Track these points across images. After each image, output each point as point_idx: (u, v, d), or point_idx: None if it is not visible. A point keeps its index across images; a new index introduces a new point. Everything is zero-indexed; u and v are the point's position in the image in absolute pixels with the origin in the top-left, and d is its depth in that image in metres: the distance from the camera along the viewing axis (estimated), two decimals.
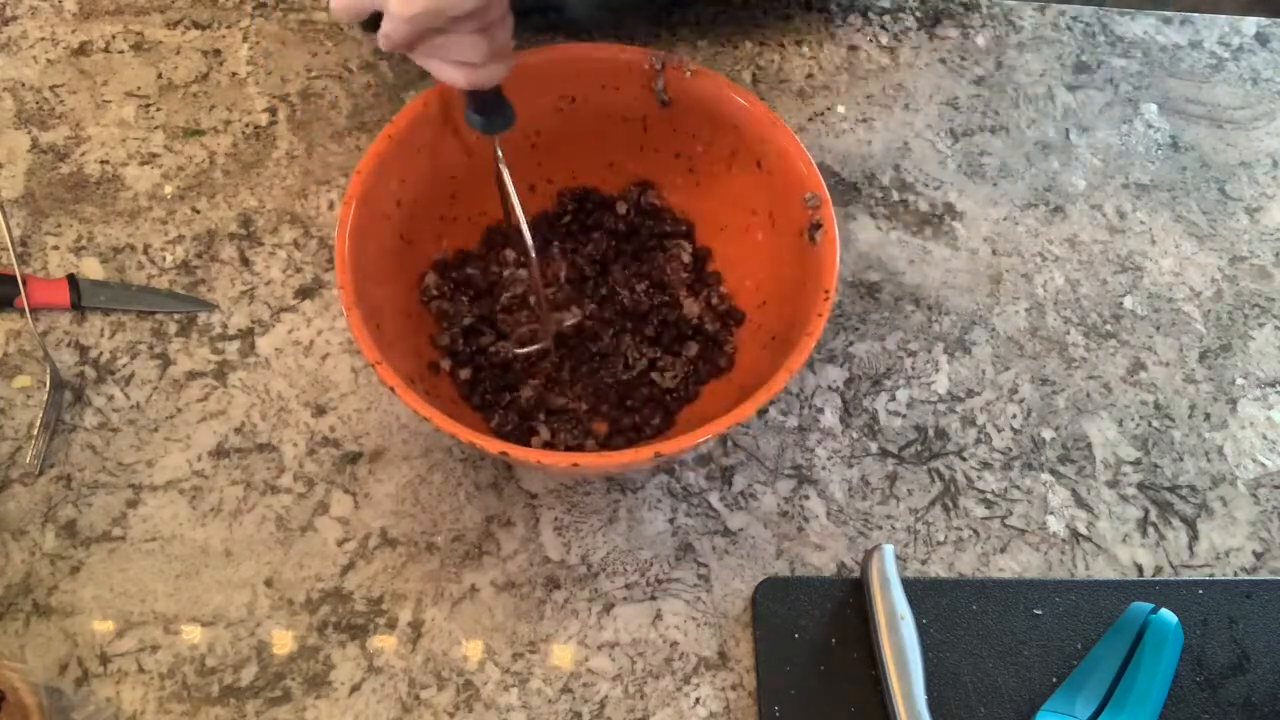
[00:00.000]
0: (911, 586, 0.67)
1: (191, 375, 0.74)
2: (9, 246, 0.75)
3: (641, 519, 0.72)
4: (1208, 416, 0.78)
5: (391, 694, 0.65)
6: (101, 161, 0.82)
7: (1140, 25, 0.97)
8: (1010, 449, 0.76)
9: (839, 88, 0.91)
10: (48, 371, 0.72)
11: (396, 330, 0.68)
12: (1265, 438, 0.78)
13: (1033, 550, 0.72)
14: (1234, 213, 0.87)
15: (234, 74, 0.86)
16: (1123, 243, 0.85)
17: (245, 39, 0.88)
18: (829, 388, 0.77)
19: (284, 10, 0.89)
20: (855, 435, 0.75)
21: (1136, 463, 0.76)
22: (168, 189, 0.81)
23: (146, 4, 0.89)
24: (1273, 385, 0.80)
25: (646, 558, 0.70)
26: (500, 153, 0.66)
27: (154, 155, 0.82)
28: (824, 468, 0.74)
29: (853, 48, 0.93)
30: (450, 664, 0.66)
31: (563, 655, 0.67)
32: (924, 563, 0.71)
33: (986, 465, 0.75)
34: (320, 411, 0.73)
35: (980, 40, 0.94)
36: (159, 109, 0.84)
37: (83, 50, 0.86)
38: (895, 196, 0.86)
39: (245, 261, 0.78)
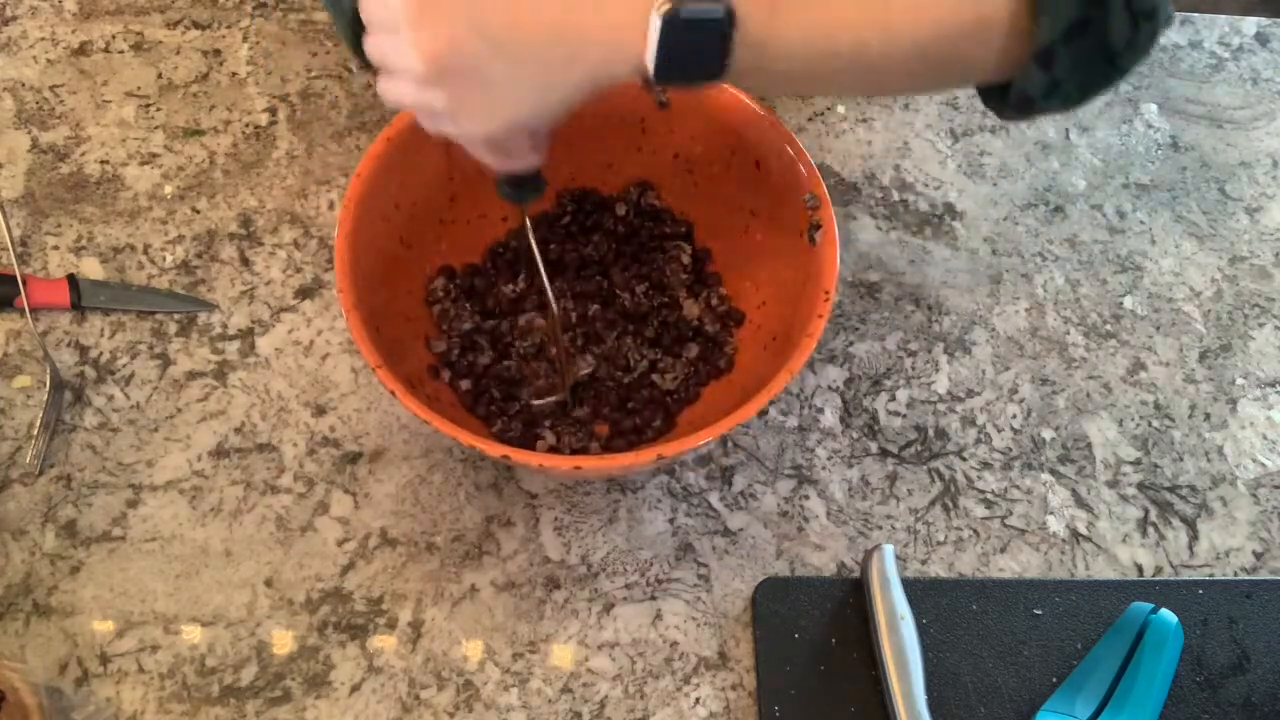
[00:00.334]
0: (911, 586, 0.67)
1: (191, 375, 0.74)
2: (9, 246, 0.75)
3: (641, 519, 0.72)
4: (1208, 416, 0.78)
5: (391, 694, 0.65)
6: (101, 161, 0.82)
7: None
8: (1010, 449, 0.76)
9: None
10: (48, 371, 0.72)
11: (397, 333, 0.68)
12: (1265, 438, 0.78)
13: (1033, 550, 0.72)
14: (1234, 213, 0.87)
15: (234, 74, 0.86)
16: (1123, 243, 0.85)
17: (245, 39, 0.88)
18: (829, 388, 0.77)
19: (284, 10, 0.89)
20: (855, 435, 0.75)
21: (1136, 463, 0.76)
22: (168, 189, 0.81)
23: (146, 4, 0.89)
24: (1273, 385, 0.80)
25: (646, 558, 0.70)
26: (529, 222, 0.65)
27: (154, 155, 0.82)
28: (824, 468, 0.74)
29: None
30: (450, 664, 0.66)
31: (563, 655, 0.67)
32: (924, 563, 0.71)
33: (986, 465, 0.75)
34: (320, 411, 0.73)
35: None
36: (159, 109, 0.84)
37: (83, 50, 0.86)
38: (895, 196, 0.86)
39: (245, 261, 0.78)
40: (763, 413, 0.74)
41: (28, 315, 0.74)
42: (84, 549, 0.68)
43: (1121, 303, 0.82)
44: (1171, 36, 0.96)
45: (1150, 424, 0.78)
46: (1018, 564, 0.72)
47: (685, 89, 0.55)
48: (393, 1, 0.50)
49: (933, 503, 0.74)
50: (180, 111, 0.84)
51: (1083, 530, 0.73)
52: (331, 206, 0.81)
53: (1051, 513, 0.74)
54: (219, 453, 0.72)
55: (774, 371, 0.62)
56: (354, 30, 0.57)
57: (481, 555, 0.70)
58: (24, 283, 0.74)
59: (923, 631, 0.65)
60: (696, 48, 0.52)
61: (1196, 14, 0.98)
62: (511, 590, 0.69)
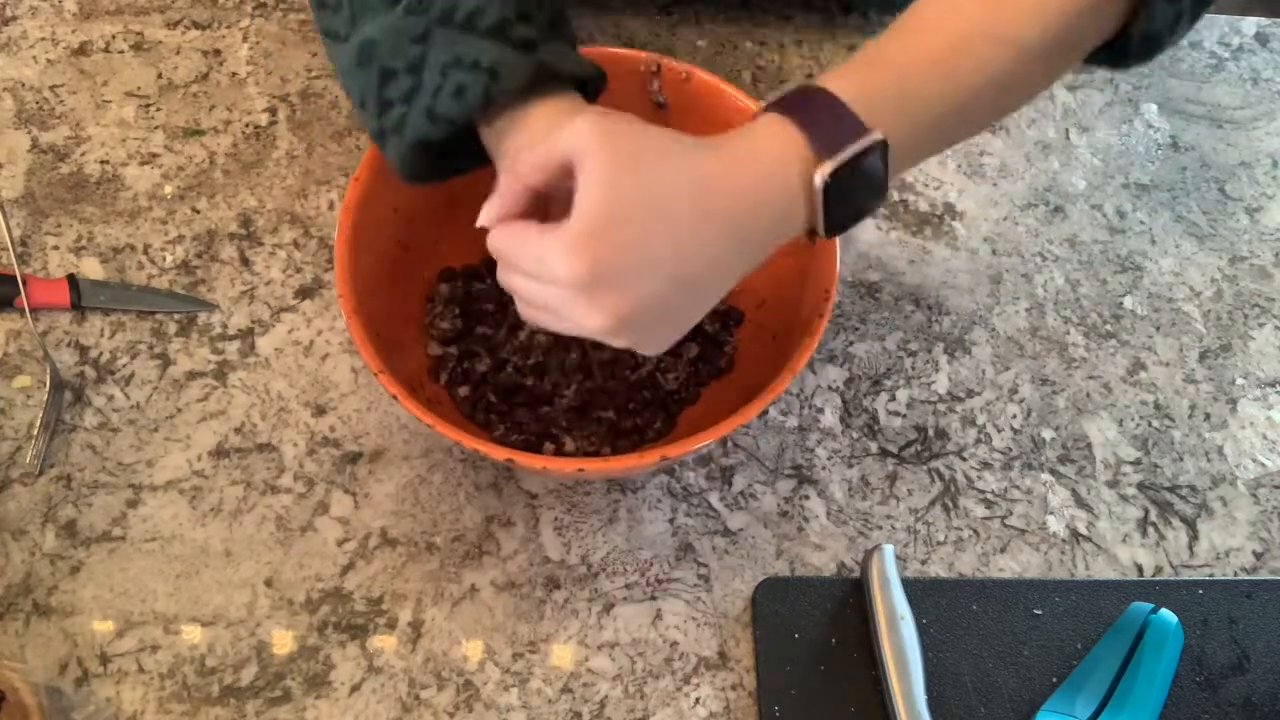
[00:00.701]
0: (911, 586, 0.67)
1: (191, 375, 0.74)
2: (9, 246, 0.75)
3: (641, 519, 0.72)
4: (1208, 416, 0.78)
5: (391, 694, 0.65)
6: (101, 161, 0.82)
7: None
8: (1010, 449, 0.76)
9: None
10: (48, 371, 0.72)
11: (397, 335, 0.68)
12: (1265, 438, 0.78)
13: (1033, 550, 0.72)
14: (1234, 213, 0.87)
15: (234, 74, 0.86)
16: (1123, 243, 0.85)
17: (245, 39, 0.88)
18: (829, 388, 0.77)
19: (284, 10, 0.89)
20: (855, 435, 0.75)
21: (1136, 463, 0.76)
22: (168, 189, 0.81)
23: (146, 4, 0.89)
24: (1273, 385, 0.80)
25: (646, 558, 0.70)
26: None
27: (154, 155, 0.82)
28: (824, 468, 0.74)
29: (853, 48, 0.93)
30: (450, 664, 0.66)
31: (563, 655, 0.67)
32: (924, 563, 0.71)
33: (986, 465, 0.75)
34: (320, 411, 0.73)
35: None
36: (159, 109, 0.84)
37: (83, 50, 0.86)
38: (895, 196, 0.86)
39: (245, 261, 0.78)
40: (763, 413, 0.74)
41: (28, 315, 0.74)
42: (84, 549, 0.68)
43: (1121, 303, 0.82)
44: None
45: (1150, 424, 0.78)
46: (1018, 564, 0.72)
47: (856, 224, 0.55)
48: (558, 275, 0.48)
49: (933, 503, 0.74)
50: (180, 111, 0.84)
51: (1083, 530, 0.73)
52: (331, 206, 0.81)
53: (1051, 513, 0.74)
54: (219, 453, 0.72)
55: (774, 371, 0.62)
56: (410, 159, 0.58)
57: (481, 555, 0.70)
58: (24, 283, 0.74)
59: (923, 631, 0.65)
60: (861, 184, 0.51)
61: None
62: (511, 590, 0.69)
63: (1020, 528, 0.73)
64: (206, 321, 0.76)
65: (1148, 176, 0.88)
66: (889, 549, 0.67)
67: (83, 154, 0.82)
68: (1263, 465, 0.77)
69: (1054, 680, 0.66)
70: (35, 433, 0.70)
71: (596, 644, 0.68)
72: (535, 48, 0.56)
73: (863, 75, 0.54)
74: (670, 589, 0.69)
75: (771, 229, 0.52)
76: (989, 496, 0.74)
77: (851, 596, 0.68)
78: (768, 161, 0.51)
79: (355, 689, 0.65)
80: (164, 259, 0.78)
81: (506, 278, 0.54)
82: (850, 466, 0.74)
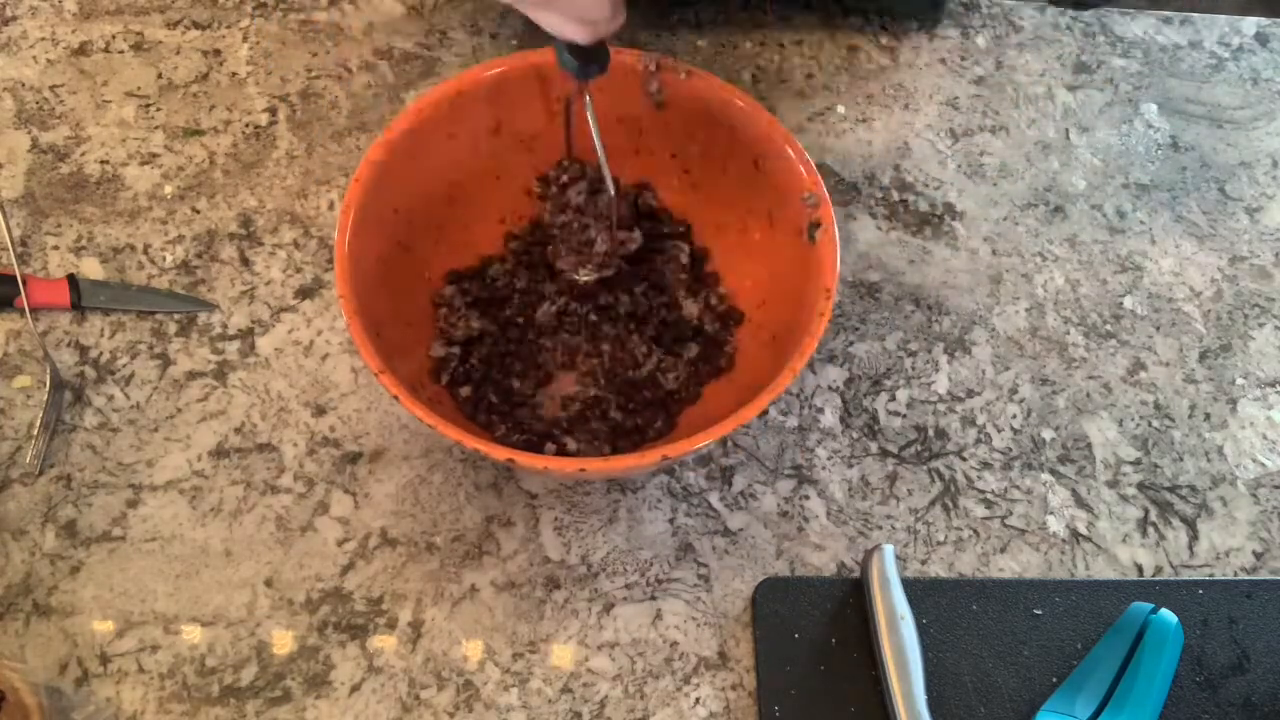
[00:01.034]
0: (911, 586, 0.67)
1: (191, 375, 0.74)
2: (9, 246, 0.75)
3: (641, 519, 0.72)
4: (1208, 416, 0.78)
5: (391, 694, 0.65)
6: (101, 161, 0.82)
7: (1140, 25, 0.97)
8: (1010, 449, 0.76)
9: (839, 88, 0.90)
10: (48, 371, 0.72)
11: (398, 336, 0.68)
12: (1265, 438, 0.78)
13: (1033, 550, 0.72)
14: (1234, 213, 0.87)
15: (234, 74, 0.86)
16: (1123, 243, 0.85)
17: (245, 39, 0.88)
18: (829, 388, 0.77)
19: (284, 10, 0.89)
20: (855, 435, 0.75)
21: (1136, 463, 0.76)
22: (168, 189, 0.81)
23: (146, 4, 0.89)
24: (1273, 385, 0.80)
25: (646, 558, 0.70)
26: (589, 99, 0.66)
27: (154, 155, 0.82)
28: (824, 468, 0.74)
29: (853, 48, 0.93)
30: (450, 664, 0.66)
31: (563, 655, 0.67)
32: (924, 563, 0.71)
33: (986, 465, 0.75)
34: (320, 411, 0.73)
35: (980, 40, 0.94)
36: (159, 109, 0.84)
37: (83, 50, 0.86)
38: (895, 196, 0.86)
39: (245, 261, 0.78)
40: (763, 413, 0.74)
41: (28, 315, 0.74)
42: (84, 549, 0.68)
43: (1121, 303, 0.82)
44: (1171, 36, 0.96)
45: (1150, 424, 0.78)
46: (1018, 564, 0.72)
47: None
48: None
49: (933, 503, 0.74)
50: (180, 111, 0.84)
51: (1083, 530, 0.73)
52: (331, 206, 0.81)
53: (1051, 513, 0.74)
54: (219, 453, 0.72)
55: (774, 370, 0.62)
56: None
57: (481, 555, 0.70)
58: (24, 283, 0.74)
59: (923, 631, 0.65)
60: None
61: (1196, 14, 0.98)
62: (511, 590, 0.69)
63: (1020, 528, 0.73)
64: (206, 321, 0.76)
65: (1148, 176, 0.88)
66: (889, 549, 0.67)
67: (83, 154, 0.82)
68: (1263, 465, 0.77)
69: (1054, 680, 0.66)
70: (35, 433, 0.70)
71: (596, 644, 0.68)
72: None
73: None
74: (670, 589, 0.69)
75: None
76: (989, 496, 0.74)
77: (851, 596, 0.68)
78: None
79: (355, 689, 0.65)
80: (164, 259, 0.78)
81: None
82: (850, 466, 0.74)
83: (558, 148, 0.75)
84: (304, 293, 0.77)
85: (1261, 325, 0.82)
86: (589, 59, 0.62)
